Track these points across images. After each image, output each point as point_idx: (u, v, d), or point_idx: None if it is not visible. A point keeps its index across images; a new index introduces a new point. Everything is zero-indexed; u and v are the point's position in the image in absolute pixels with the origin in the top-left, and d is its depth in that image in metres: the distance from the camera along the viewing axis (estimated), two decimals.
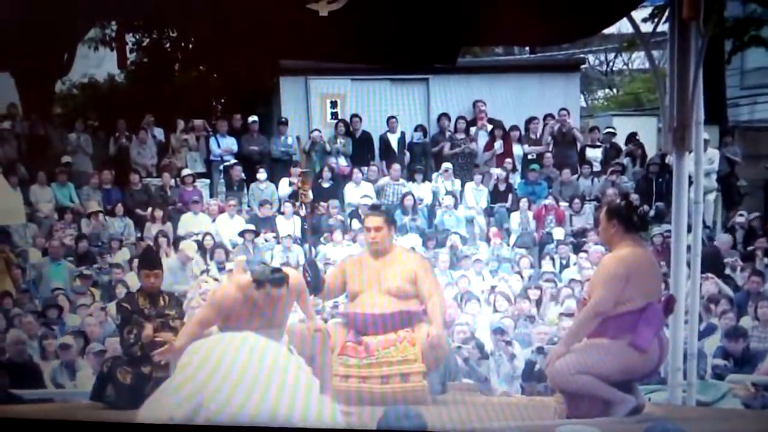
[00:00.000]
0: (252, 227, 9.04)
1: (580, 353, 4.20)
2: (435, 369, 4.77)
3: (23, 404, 5.26)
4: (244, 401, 3.77)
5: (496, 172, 10.16)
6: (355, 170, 10.00)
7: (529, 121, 10.64)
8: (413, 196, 9.53)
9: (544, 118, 10.68)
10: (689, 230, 5.20)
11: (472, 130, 10.55)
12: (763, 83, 12.87)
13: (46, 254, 8.43)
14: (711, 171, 9.27)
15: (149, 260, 5.07)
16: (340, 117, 10.85)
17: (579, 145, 10.57)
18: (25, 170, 9.25)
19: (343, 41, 4.91)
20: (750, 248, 8.53)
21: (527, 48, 13.82)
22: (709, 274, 7.53)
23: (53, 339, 6.68)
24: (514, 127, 10.55)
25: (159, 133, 10.36)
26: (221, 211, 9.36)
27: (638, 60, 17.83)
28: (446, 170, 9.97)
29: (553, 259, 8.81)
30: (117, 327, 5.77)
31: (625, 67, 19.05)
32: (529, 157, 10.38)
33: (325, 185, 9.79)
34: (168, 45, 12.85)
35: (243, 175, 9.89)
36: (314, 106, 11.16)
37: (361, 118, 10.56)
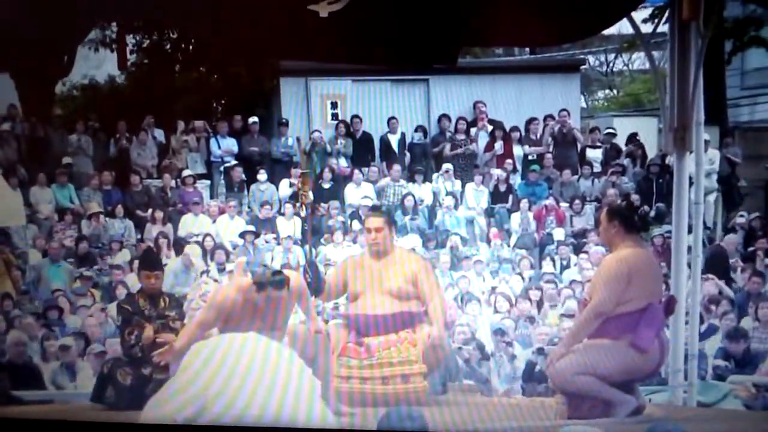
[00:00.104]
0: (252, 228, 9.04)
1: (581, 354, 4.20)
2: (436, 370, 4.77)
3: (24, 405, 5.25)
4: (249, 402, 3.77)
5: (497, 172, 10.15)
6: (356, 171, 10.00)
7: (530, 121, 10.64)
8: (414, 196, 9.53)
9: (545, 119, 10.68)
10: (690, 231, 5.20)
11: (473, 130, 10.55)
12: (764, 84, 12.87)
13: (46, 256, 8.43)
14: (711, 171, 9.27)
15: (150, 261, 5.07)
16: (340, 118, 10.84)
17: (579, 146, 10.56)
18: (25, 171, 9.26)
19: (344, 42, 4.91)
20: (750, 249, 8.52)
21: (527, 49, 13.82)
22: (710, 275, 7.54)
23: (54, 340, 6.68)
24: (515, 128, 10.55)
25: (159, 134, 10.36)
26: (222, 212, 9.36)
27: (638, 61, 17.83)
28: (447, 171, 9.97)
29: (553, 259, 8.81)
30: (117, 328, 5.78)
31: (625, 67, 19.05)
32: (530, 157, 10.38)
33: (326, 186, 9.79)
34: (168, 46, 12.84)
35: (243, 176, 9.88)
36: (315, 107, 11.16)
37: (361, 119, 10.55)
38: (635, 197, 8.81)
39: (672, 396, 5.14)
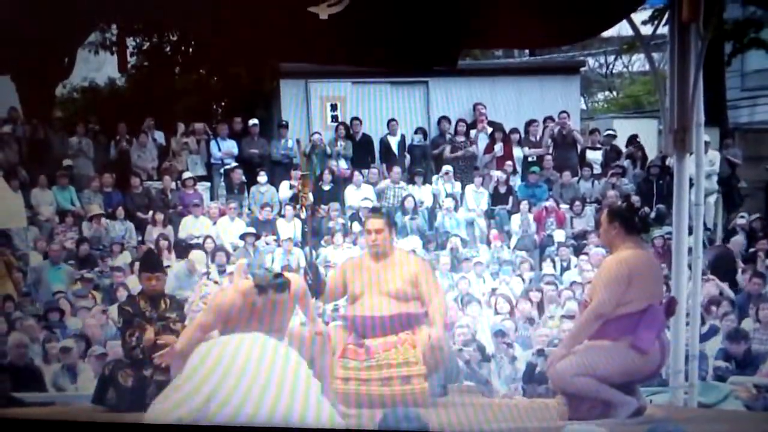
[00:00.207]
0: (253, 230, 9.05)
1: (582, 355, 4.20)
2: (436, 371, 4.77)
3: (25, 407, 5.25)
4: (258, 402, 3.76)
5: (497, 174, 10.16)
6: (356, 173, 10.01)
7: (529, 123, 10.65)
8: (414, 198, 9.53)
9: (544, 121, 10.69)
10: (690, 232, 5.20)
11: (473, 132, 10.56)
12: (763, 85, 12.89)
13: (46, 258, 8.43)
14: (712, 173, 9.28)
15: (150, 263, 5.07)
16: (340, 120, 10.85)
17: (579, 148, 10.57)
18: (26, 174, 9.26)
19: (344, 44, 4.92)
20: (751, 250, 8.52)
21: (527, 51, 13.83)
22: (710, 276, 7.55)
23: (55, 342, 6.68)
24: (514, 130, 10.56)
25: (159, 136, 10.38)
26: (222, 214, 9.37)
27: (638, 62, 17.87)
28: (447, 173, 9.98)
29: (553, 261, 8.82)
30: (118, 330, 5.76)
31: (625, 69, 19.08)
32: (530, 159, 10.39)
33: (326, 188, 9.79)
34: (168, 48, 12.87)
35: (243, 178, 9.89)
36: (314, 108, 11.17)
37: (361, 121, 10.56)
38: (635, 199, 8.81)
39: (673, 397, 5.13)
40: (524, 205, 9.57)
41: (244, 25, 4.81)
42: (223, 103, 13.15)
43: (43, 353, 6.63)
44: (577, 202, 9.63)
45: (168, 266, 7.68)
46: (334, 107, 11.16)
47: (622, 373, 4.17)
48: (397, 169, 9.93)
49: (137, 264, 7.07)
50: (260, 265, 8.16)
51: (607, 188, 9.80)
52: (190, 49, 12.76)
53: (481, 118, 10.66)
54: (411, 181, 10.04)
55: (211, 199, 9.92)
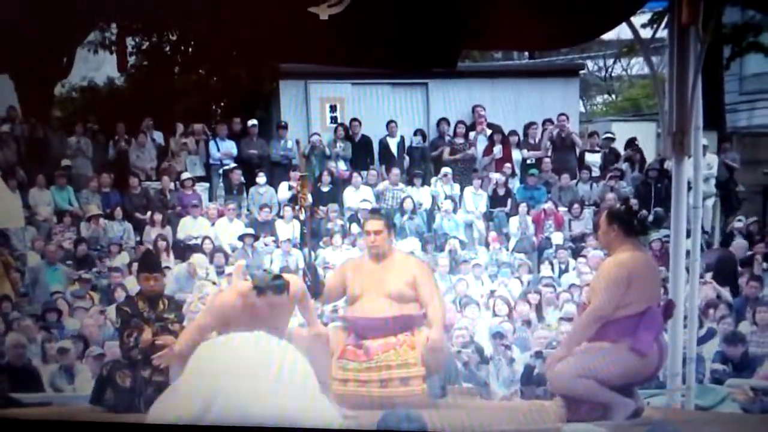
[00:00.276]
0: (251, 231, 9.05)
1: (580, 357, 4.19)
2: (434, 373, 4.76)
3: (23, 407, 5.24)
4: (260, 401, 3.75)
5: (496, 176, 10.17)
6: (355, 174, 10.02)
7: (528, 126, 10.67)
8: (412, 200, 9.54)
9: (543, 123, 10.71)
10: (688, 235, 5.21)
11: (472, 134, 10.57)
12: (762, 89, 12.92)
13: (44, 258, 8.42)
14: (710, 176, 9.30)
15: (148, 264, 5.07)
16: (339, 121, 10.86)
17: (578, 150, 10.59)
18: (24, 173, 9.25)
19: (344, 45, 4.92)
20: (748, 253, 8.53)
21: (526, 53, 13.85)
22: (708, 279, 7.56)
23: (53, 342, 6.67)
24: (513, 132, 10.59)
25: (158, 136, 10.37)
26: (221, 214, 9.37)
27: (637, 65, 17.89)
28: (445, 174, 9.99)
29: (552, 263, 8.82)
30: (116, 330, 5.77)
31: (623, 72, 19.10)
32: (528, 161, 10.40)
33: (325, 189, 9.80)
34: (168, 48, 12.87)
35: (242, 178, 9.89)
36: (314, 109, 11.18)
37: (360, 122, 10.57)
38: (634, 201, 8.82)
39: (670, 399, 5.14)
40: (523, 207, 9.58)
41: (244, 26, 4.81)
42: (222, 104, 13.16)
43: (41, 353, 6.62)
44: (576, 205, 9.65)
45: (166, 267, 7.69)
46: (333, 108, 11.17)
47: (621, 376, 4.17)
48: (396, 171, 9.94)
49: (135, 264, 7.07)
50: (259, 267, 8.16)
51: (605, 191, 9.81)
52: (190, 49, 12.76)
53: (480, 120, 10.68)
54: (410, 182, 10.05)
55: (210, 199, 9.92)
